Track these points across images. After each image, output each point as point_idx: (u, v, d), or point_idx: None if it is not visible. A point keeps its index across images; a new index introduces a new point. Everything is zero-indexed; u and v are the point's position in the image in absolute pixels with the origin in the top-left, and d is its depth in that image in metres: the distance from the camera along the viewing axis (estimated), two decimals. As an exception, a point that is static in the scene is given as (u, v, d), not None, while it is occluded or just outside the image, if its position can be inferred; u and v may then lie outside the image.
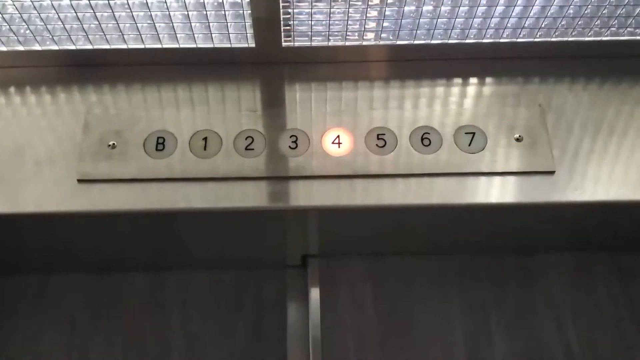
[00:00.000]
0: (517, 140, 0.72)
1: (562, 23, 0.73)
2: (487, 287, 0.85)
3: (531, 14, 0.72)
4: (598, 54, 0.78)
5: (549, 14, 0.72)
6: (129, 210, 0.69)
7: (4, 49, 0.74)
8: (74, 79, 0.76)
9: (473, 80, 0.78)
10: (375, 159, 0.71)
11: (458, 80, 0.78)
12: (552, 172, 0.70)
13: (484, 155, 0.71)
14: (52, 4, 0.68)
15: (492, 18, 0.72)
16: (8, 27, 0.71)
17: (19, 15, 0.69)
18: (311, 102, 0.76)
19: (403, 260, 0.86)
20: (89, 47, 0.74)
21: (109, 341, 0.83)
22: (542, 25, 0.74)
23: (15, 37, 0.72)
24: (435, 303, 0.84)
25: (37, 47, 0.74)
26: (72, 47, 0.74)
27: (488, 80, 0.78)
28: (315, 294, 0.83)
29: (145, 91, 0.76)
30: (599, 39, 0.76)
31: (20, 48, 0.74)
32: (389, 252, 0.86)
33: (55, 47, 0.74)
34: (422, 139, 0.72)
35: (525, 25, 0.74)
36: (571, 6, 0.71)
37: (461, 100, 0.76)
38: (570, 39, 0.76)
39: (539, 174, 0.70)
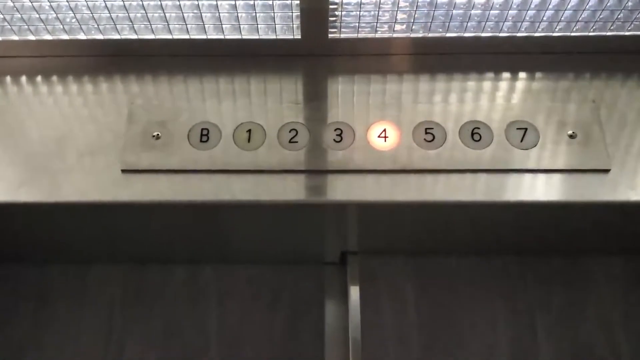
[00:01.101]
0: (571, 137, 0.70)
1: (620, 16, 0.71)
2: (533, 289, 0.82)
3: (588, 7, 0.69)
4: (653, 49, 0.75)
5: (606, 6, 0.69)
6: (172, 201, 0.68)
7: (49, 37, 0.74)
8: (116, 69, 0.76)
9: (522, 74, 0.75)
10: (422, 153, 0.69)
11: (507, 75, 0.75)
12: (607, 171, 0.68)
13: (536, 151, 0.69)
14: (100, -7, 0.67)
15: (546, 10, 0.70)
16: (55, 15, 0.71)
17: (67, 3, 0.69)
18: (354, 94, 0.74)
19: (446, 260, 0.84)
20: (134, 36, 0.73)
21: (148, 332, 0.83)
22: (598, 19, 0.71)
23: (62, 26, 0.72)
24: (479, 304, 0.82)
25: (82, 36, 0.73)
26: (117, 37, 0.73)
27: (537, 75, 0.75)
28: (354, 292, 0.81)
29: (188, 82, 0.75)
30: (656, 33, 0.73)
31: (66, 37, 0.73)
32: (432, 250, 0.84)
33: (101, 37, 0.73)
34: (472, 134, 0.70)
35: (580, 18, 0.71)
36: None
37: (510, 95, 0.74)
38: (625, 33, 0.73)
39: (593, 172, 0.68)
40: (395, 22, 0.72)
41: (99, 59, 0.77)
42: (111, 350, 0.82)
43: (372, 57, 0.76)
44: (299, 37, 0.73)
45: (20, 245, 0.83)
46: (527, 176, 0.68)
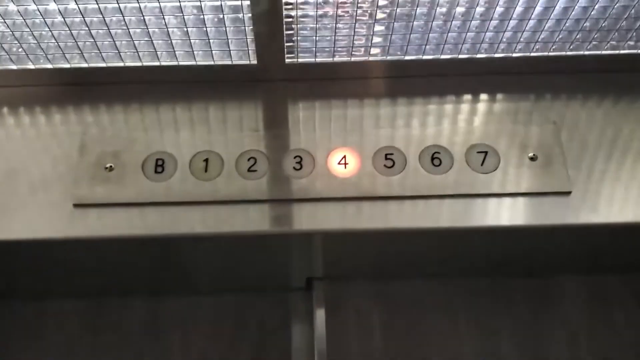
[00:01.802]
0: (532, 159, 0.69)
1: (578, 36, 0.70)
2: (498, 311, 0.82)
3: (546, 27, 0.69)
4: (613, 68, 0.75)
5: (564, 27, 0.69)
6: (127, 236, 0.66)
7: (-4, 68, 0.71)
8: (69, 98, 0.74)
9: (483, 96, 0.75)
10: (383, 180, 0.68)
11: (468, 97, 0.75)
12: (568, 193, 0.67)
13: (497, 175, 0.68)
14: (45, 22, 0.65)
15: (504, 32, 0.69)
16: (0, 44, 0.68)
17: (11, 33, 0.66)
18: (315, 120, 0.73)
19: (412, 283, 0.82)
20: (84, 65, 0.71)
21: (108, 369, 0.81)
22: (556, 39, 0.71)
23: (7, 56, 0.70)
24: (445, 327, 0.81)
25: (30, 66, 0.71)
26: (67, 66, 0.71)
27: (499, 96, 0.75)
28: (320, 317, 0.80)
29: (143, 111, 0.73)
30: (615, 52, 0.73)
31: (13, 67, 0.71)
32: (397, 275, 0.83)
33: (49, 66, 0.71)
34: (432, 159, 0.69)
35: (539, 39, 0.71)
36: (588, 19, 0.68)
37: (471, 117, 0.73)
38: (585, 52, 0.73)
39: (554, 195, 0.67)
40: (352, 47, 0.71)
41: (51, 88, 0.74)
42: (72, 387, 0.80)
43: (331, 82, 0.75)
44: (255, 62, 0.71)
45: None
46: (490, 200, 0.67)
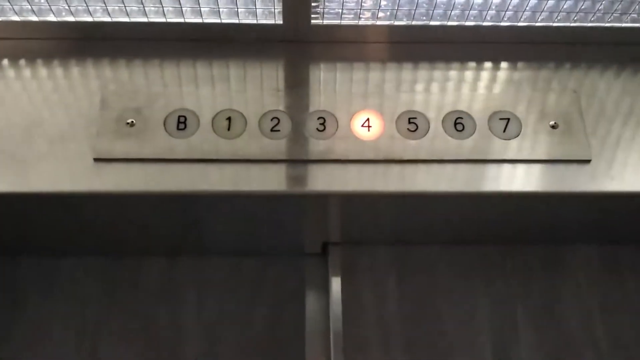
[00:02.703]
0: (553, 127, 0.70)
1: (600, 7, 0.71)
2: (514, 279, 0.82)
3: (570, -3, 0.69)
4: (633, 40, 0.75)
5: (588, -4, 0.70)
6: (147, 192, 0.65)
7: (16, 19, 0.70)
8: (88, 52, 0.72)
9: (504, 64, 0.75)
10: (405, 143, 0.68)
11: (488, 65, 0.75)
12: (588, 161, 0.68)
13: (518, 141, 0.69)
14: (71, -28, 0.64)
15: (529, 0, 0.70)
16: (22, -5, 0.67)
17: (34, -18, 0.65)
18: (336, 82, 0.73)
19: (427, 249, 0.83)
20: (107, 19, 0.70)
21: (122, 326, 0.80)
22: (579, 10, 0.71)
23: (30, 7, 0.68)
24: (461, 294, 0.81)
25: (52, 18, 0.70)
26: (89, 19, 0.70)
27: (519, 65, 0.75)
28: (336, 283, 0.80)
29: (164, 67, 0.73)
30: (636, 25, 0.73)
31: (34, 18, 0.70)
32: (413, 240, 0.83)
33: (72, 19, 0.70)
34: (455, 124, 0.69)
35: (562, 8, 0.71)
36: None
37: (491, 84, 0.74)
38: (605, 24, 0.73)
39: (575, 163, 0.68)
40: (378, 10, 0.70)
41: (70, 42, 0.73)
42: (84, 346, 0.79)
43: (354, 45, 0.74)
44: (281, 22, 0.71)
45: (-11, 237, 0.80)
46: (511, 166, 0.68)
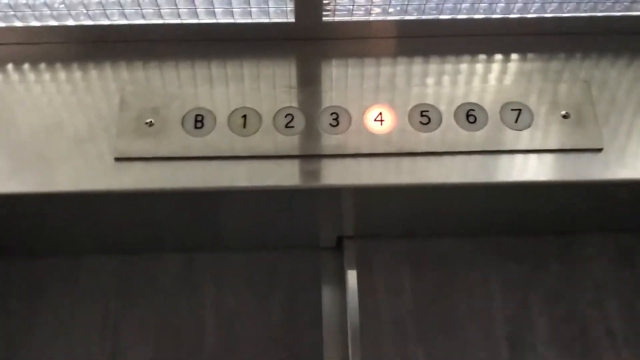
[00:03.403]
0: (564, 117, 0.70)
1: (610, -4, 0.72)
2: (528, 268, 0.83)
3: (579, -13, 0.70)
4: (643, 29, 0.76)
5: (597, -14, 0.70)
6: (166, 189, 0.67)
7: (36, 24, 0.72)
8: (106, 55, 0.74)
9: (514, 56, 0.76)
10: (418, 136, 0.69)
11: (499, 57, 0.76)
12: (600, 150, 0.69)
13: (531, 132, 0.70)
14: (88, -23, 0.66)
15: (538, -9, 0.70)
16: (43, 0, 0.69)
17: (53, -12, 0.67)
18: (348, 78, 0.74)
19: (441, 241, 0.84)
20: (124, 22, 0.72)
21: (142, 323, 0.82)
22: (588, 0, 0.72)
23: (49, 12, 0.70)
24: (475, 285, 0.82)
25: (71, 22, 0.72)
26: (107, 22, 0.72)
27: (530, 56, 0.76)
28: (352, 277, 0.81)
29: (179, 68, 0.74)
30: (645, 13, 0.74)
31: (54, 23, 0.72)
32: (427, 232, 0.84)
33: (90, 22, 0.72)
34: (467, 116, 0.70)
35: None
36: (620, -21, 0.69)
37: (502, 76, 0.74)
38: (615, 13, 0.74)
39: (587, 152, 0.69)
40: (389, 5, 0.71)
41: (87, 45, 0.75)
42: (107, 342, 0.81)
43: (366, 40, 0.76)
44: (293, 20, 0.72)
45: (11, 237, 0.81)
46: (524, 157, 0.68)
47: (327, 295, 0.84)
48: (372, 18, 0.73)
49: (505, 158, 0.69)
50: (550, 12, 0.73)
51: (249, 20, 0.72)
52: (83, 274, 0.84)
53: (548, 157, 0.69)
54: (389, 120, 0.70)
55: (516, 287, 0.82)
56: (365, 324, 0.80)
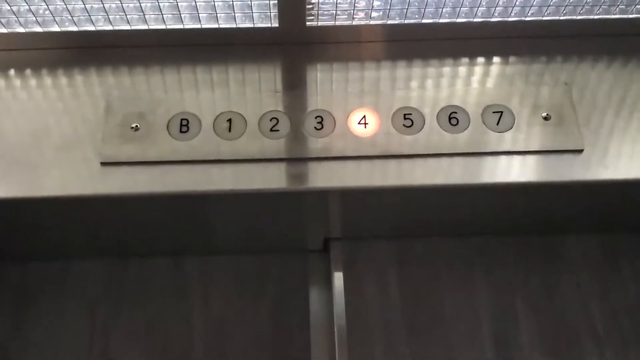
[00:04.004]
0: (545, 118, 0.71)
1: (588, 0, 0.73)
2: (513, 269, 0.84)
3: (558, -9, 0.71)
4: (621, 32, 0.77)
5: (576, -10, 0.71)
6: (153, 193, 0.67)
7: (22, 30, 0.72)
8: (91, 61, 0.75)
9: (496, 59, 0.77)
10: (402, 139, 0.70)
11: (481, 60, 0.77)
12: (580, 151, 0.70)
13: (512, 134, 0.71)
14: (73, -17, 0.66)
15: (518, -5, 0.72)
16: (27, 7, 0.69)
17: (38, -6, 0.68)
18: (332, 82, 0.75)
19: (427, 242, 0.85)
20: (109, 27, 0.72)
21: (131, 326, 0.82)
22: (568, 3, 0.73)
23: (34, 18, 0.71)
24: (460, 285, 0.83)
25: (56, 28, 0.72)
26: (92, 28, 0.72)
27: (511, 59, 0.77)
28: (338, 278, 0.82)
29: (165, 73, 0.75)
30: (624, 16, 0.75)
31: (39, 29, 0.72)
32: (413, 233, 0.85)
33: (75, 28, 0.72)
34: (449, 118, 0.71)
35: (551, 3, 0.73)
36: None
37: (484, 79, 0.75)
38: (594, 17, 0.75)
39: (568, 153, 0.70)
40: (371, 9, 0.72)
41: (73, 51, 0.75)
42: (95, 346, 0.81)
43: (349, 45, 0.76)
44: (277, 25, 0.73)
45: (-2, 242, 0.82)
46: (506, 158, 0.69)
47: (315, 297, 0.84)
48: (355, 22, 0.74)
49: (488, 160, 0.70)
50: (531, 16, 0.75)
51: (234, 26, 0.73)
52: (71, 279, 0.85)
53: (530, 159, 0.70)
54: (373, 124, 0.71)
55: (502, 288, 0.83)
56: (352, 325, 0.80)
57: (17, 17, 0.71)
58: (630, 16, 0.75)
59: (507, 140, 0.70)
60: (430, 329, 0.81)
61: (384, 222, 0.83)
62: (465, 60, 0.76)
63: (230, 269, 0.86)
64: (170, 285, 0.85)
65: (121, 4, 0.69)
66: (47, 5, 0.69)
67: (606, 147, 0.70)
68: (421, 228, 0.84)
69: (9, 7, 0.69)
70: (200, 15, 0.72)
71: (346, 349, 0.78)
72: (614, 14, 0.75)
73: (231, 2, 0.70)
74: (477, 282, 0.83)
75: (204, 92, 0.73)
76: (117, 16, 0.71)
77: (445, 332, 0.81)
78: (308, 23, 0.73)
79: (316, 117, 0.71)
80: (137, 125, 0.70)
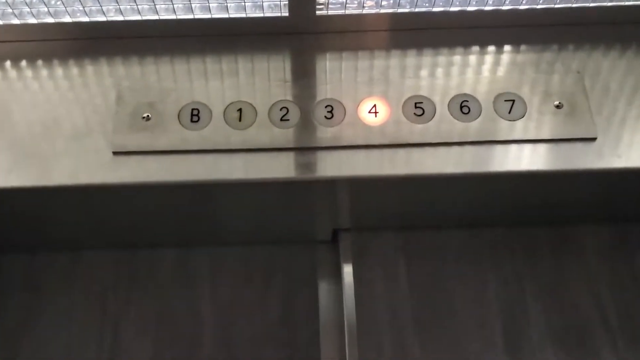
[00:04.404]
0: (557, 107, 0.71)
1: (601, -13, 0.72)
2: (522, 259, 0.84)
3: (570, -22, 0.70)
4: (635, 19, 0.76)
5: (588, -23, 0.71)
6: (164, 182, 0.68)
7: (33, 21, 0.73)
8: (102, 51, 0.75)
9: (507, 47, 0.76)
10: (413, 127, 0.70)
11: (492, 48, 0.76)
12: (593, 139, 0.69)
13: (524, 122, 0.70)
14: (84, -27, 0.67)
15: (530, -18, 0.71)
16: (39, -3, 0.70)
17: (50, -15, 0.68)
18: (342, 71, 0.74)
19: (436, 233, 0.84)
20: (120, 18, 0.72)
21: (141, 317, 0.82)
22: (580, -10, 0.73)
23: (47, 9, 0.71)
24: (470, 276, 0.83)
25: (68, 19, 0.72)
26: (103, 19, 0.73)
27: (522, 47, 0.76)
28: (347, 269, 0.82)
29: (175, 63, 0.75)
30: (638, 3, 0.74)
31: (51, 20, 0.72)
32: (422, 224, 0.85)
33: (86, 19, 0.72)
34: (461, 107, 0.71)
35: (563, -10, 0.72)
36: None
37: (495, 67, 0.75)
38: (607, 4, 0.74)
39: (580, 141, 0.69)
40: (381, -2, 0.72)
41: (84, 41, 0.76)
42: (106, 336, 0.82)
43: (359, 34, 0.76)
44: (287, 14, 0.73)
45: (9, 233, 0.82)
46: (518, 147, 0.69)
47: (324, 289, 0.84)
48: (365, 11, 0.74)
49: (499, 148, 0.69)
50: (542, 4, 0.74)
51: (244, 15, 0.73)
52: (81, 269, 0.85)
53: (542, 147, 0.69)
54: (383, 112, 0.71)
55: (511, 278, 0.83)
56: (361, 316, 0.80)
57: (29, 9, 0.71)
58: (643, 3, 0.75)
59: (518, 129, 0.70)
60: (439, 321, 0.81)
61: (393, 213, 0.82)
62: (476, 48, 0.76)
63: (239, 260, 0.86)
64: (179, 276, 0.85)
65: (132, -7, 0.69)
66: (58, -5, 0.69)
67: (619, 135, 0.70)
68: (431, 219, 0.83)
69: (21, -2, 0.70)
70: (210, 5, 0.72)
71: (355, 340, 0.78)
72: (626, 1, 0.74)
73: (241, -9, 0.70)
74: (487, 273, 0.83)
75: (213, 81, 0.73)
76: (128, 6, 0.72)
77: (454, 324, 0.80)
78: (318, 12, 0.73)
79: (326, 107, 0.71)
80: (148, 115, 0.70)
